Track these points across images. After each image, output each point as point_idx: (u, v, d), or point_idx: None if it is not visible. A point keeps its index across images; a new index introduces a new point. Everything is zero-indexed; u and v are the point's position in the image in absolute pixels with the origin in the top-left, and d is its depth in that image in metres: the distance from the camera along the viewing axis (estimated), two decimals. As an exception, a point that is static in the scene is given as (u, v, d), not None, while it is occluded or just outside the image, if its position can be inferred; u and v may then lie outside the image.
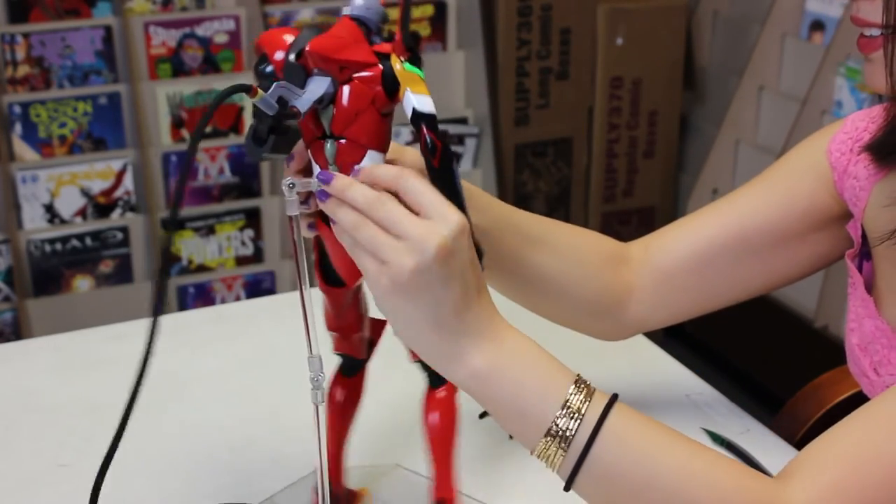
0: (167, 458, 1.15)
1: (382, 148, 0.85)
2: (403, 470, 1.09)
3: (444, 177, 0.81)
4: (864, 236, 1.06)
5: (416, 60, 0.83)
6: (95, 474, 0.92)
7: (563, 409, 0.82)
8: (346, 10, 0.85)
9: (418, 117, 0.80)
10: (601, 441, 0.82)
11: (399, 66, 0.82)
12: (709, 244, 1.12)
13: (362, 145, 0.84)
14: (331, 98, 0.84)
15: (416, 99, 0.81)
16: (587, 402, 0.82)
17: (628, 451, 0.83)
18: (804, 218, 1.10)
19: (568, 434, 0.82)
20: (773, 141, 2.88)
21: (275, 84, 0.83)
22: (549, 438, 0.82)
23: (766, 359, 2.82)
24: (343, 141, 0.84)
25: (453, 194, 0.81)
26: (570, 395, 0.82)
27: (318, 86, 0.84)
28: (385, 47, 0.83)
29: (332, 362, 0.97)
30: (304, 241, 0.88)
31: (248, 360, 1.35)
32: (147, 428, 1.21)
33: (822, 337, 2.63)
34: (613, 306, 1.14)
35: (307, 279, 0.87)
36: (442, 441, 0.94)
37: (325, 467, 0.92)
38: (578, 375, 0.84)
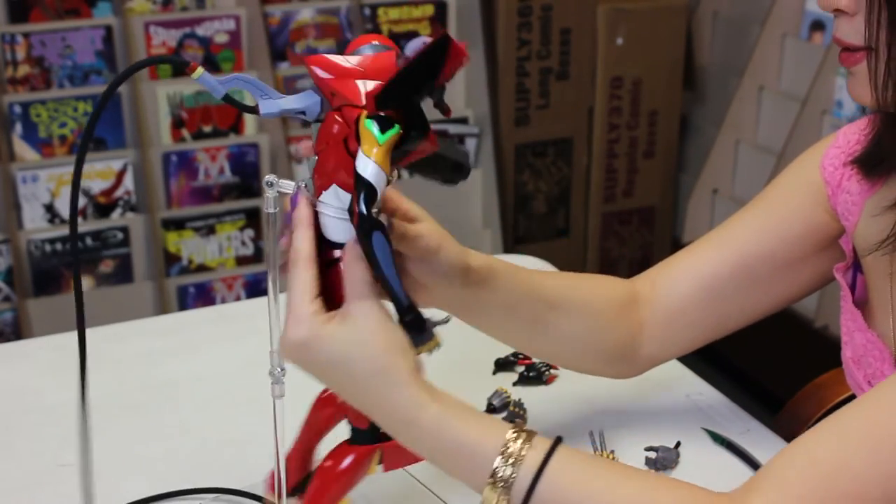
0: (167, 458, 1.15)
1: (348, 187, 0.81)
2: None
3: (364, 247, 0.78)
4: (855, 250, 1.06)
5: (386, 122, 0.78)
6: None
7: (502, 456, 0.82)
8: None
9: (357, 180, 0.78)
10: (543, 486, 0.82)
11: (363, 121, 0.79)
12: (713, 277, 1.12)
13: (327, 174, 0.83)
14: (317, 117, 0.84)
15: (362, 162, 0.78)
16: (526, 447, 0.83)
17: (571, 493, 0.82)
18: (803, 240, 1.10)
19: (510, 480, 0.82)
20: (773, 141, 2.88)
21: (233, 75, 0.83)
22: (490, 486, 0.82)
23: (766, 359, 2.82)
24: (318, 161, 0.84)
25: (373, 265, 0.79)
26: (509, 441, 0.83)
27: (299, 100, 0.84)
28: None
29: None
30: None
31: (248, 360, 1.35)
32: (147, 427, 1.21)
33: (822, 337, 2.63)
34: (628, 349, 1.14)
35: (277, 275, 0.87)
36: (322, 489, 0.91)
37: (283, 462, 0.93)
38: (516, 423, 0.86)
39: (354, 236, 0.81)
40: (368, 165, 0.77)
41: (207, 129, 2.70)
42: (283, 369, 0.90)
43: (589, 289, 1.13)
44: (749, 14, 3.03)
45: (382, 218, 0.86)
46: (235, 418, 1.22)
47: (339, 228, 0.84)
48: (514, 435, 0.83)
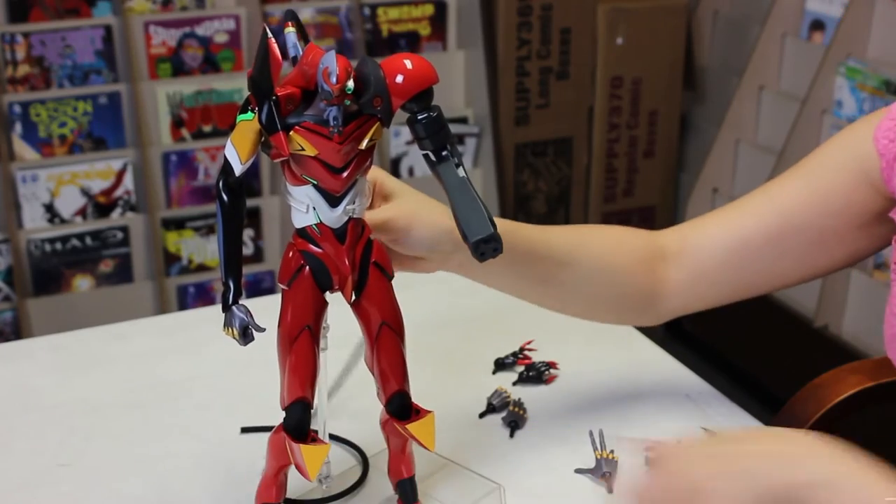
0: (167, 458, 1.15)
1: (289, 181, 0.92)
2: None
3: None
4: None
5: (242, 109, 0.87)
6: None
7: None
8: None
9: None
10: None
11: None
12: (745, 242, 1.12)
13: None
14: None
15: (226, 146, 0.88)
16: None
17: None
18: (840, 216, 1.08)
19: None
20: (773, 141, 2.88)
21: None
22: None
23: (766, 358, 2.82)
24: None
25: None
26: None
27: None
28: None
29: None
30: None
31: (248, 360, 1.35)
32: (147, 427, 1.21)
33: (822, 337, 2.63)
34: (648, 302, 1.15)
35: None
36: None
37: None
38: None
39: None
40: (228, 149, 0.88)
41: (207, 128, 2.70)
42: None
43: (603, 243, 1.13)
44: (749, 14, 3.03)
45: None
46: (235, 418, 1.22)
47: (294, 215, 0.95)
48: None
